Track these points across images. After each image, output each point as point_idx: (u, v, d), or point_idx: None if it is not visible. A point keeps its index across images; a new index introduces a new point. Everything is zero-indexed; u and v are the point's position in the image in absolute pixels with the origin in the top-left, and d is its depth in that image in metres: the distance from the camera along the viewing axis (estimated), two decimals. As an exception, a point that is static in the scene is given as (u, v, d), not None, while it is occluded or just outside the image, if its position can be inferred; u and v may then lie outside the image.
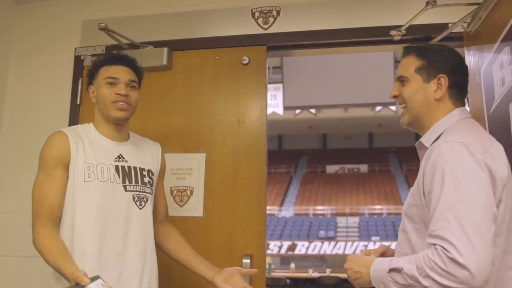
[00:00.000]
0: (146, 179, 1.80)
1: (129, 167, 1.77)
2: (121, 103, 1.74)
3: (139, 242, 1.72)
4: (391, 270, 1.26)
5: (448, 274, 1.14)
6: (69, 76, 2.53)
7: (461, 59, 1.50)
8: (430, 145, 1.41)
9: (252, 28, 2.41)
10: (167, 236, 1.91)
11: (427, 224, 1.29)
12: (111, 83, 1.75)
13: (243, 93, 2.35)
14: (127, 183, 1.74)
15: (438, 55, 1.48)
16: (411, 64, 1.50)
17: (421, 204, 1.33)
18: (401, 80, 1.51)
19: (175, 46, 2.44)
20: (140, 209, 1.75)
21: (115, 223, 1.69)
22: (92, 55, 2.51)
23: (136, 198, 1.75)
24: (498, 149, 1.32)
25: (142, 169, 1.81)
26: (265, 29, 2.40)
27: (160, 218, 1.92)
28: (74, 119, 2.45)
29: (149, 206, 1.79)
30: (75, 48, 2.56)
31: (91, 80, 1.82)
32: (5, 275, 2.41)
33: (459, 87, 1.47)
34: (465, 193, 1.20)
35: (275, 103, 16.93)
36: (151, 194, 1.82)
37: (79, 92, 2.48)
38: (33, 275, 2.32)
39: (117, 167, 1.74)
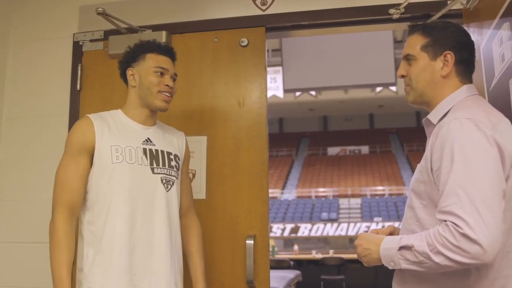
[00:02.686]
0: (173, 163, 1.84)
1: (157, 150, 1.80)
2: (166, 93, 1.79)
3: (165, 224, 1.75)
4: (401, 248, 1.26)
5: (460, 250, 1.15)
6: (68, 62, 2.52)
7: (467, 35, 1.49)
8: (438, 122, 1.41)
9: (250, 10, 2.40)
10: (184, 234, 1.91)
11: (435, 201, 1.30)
12: (160, 73, 1.79)
13: (243, 75, 2.35)
14: (154, 165, 1.77)
15: (444, 31, 1.46)
16: (417, 42, 1.49)
17: (429, 180, 1.33)
18: (408, 58, 1.50)
19: (173, 29, 2.43)
20: (167, 191, 1.78)
21: (144, 205, 1.72)
22: (91, 41, 2.50)
23: (164, 181, 1.78)
24: (506, 125, 1.32)
25: (169, 153, 1.84)
26: (263, 10, 2.39)
27: (181, 212, 1.92)
28: (74, 105, 2.46)
29: (174, 190, 1.82)
30: (73, 34, 2.55)
31: (132, 63, 1.82)
32: (9, 261, 2.43)
33: (465, 63, 1.46)
34: (475, 169, 1.21)
35: (275, 86, 16.89)
36: (177, 179, 1.85)
37: (78, 77, 2.48)
38: (38, 261, 2.34)
39: (144, 150, 1.77)
